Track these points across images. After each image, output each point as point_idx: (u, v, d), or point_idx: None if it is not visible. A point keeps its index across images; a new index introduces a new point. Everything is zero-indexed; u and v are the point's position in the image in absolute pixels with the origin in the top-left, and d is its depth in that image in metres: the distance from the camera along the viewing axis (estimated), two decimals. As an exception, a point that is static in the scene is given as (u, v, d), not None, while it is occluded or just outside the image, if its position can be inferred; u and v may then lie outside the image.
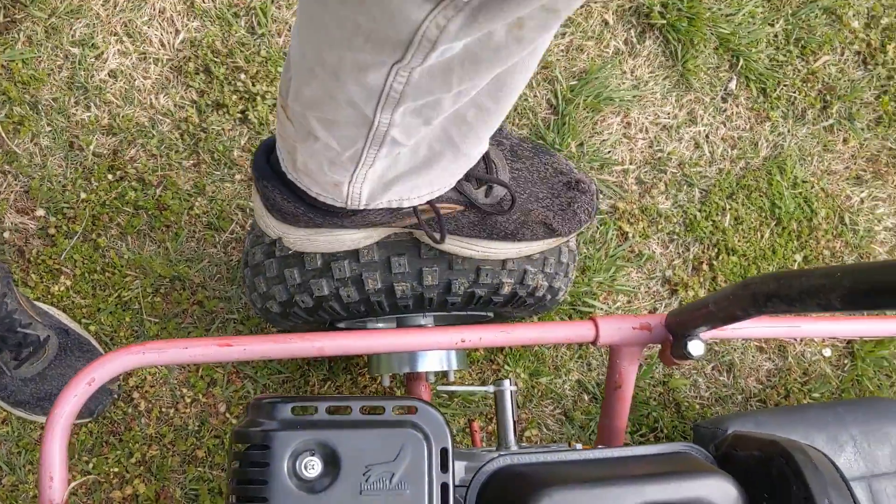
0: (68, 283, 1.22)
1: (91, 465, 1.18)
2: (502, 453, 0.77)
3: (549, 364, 1.36)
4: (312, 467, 0.67)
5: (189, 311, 1.25)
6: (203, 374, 1.24)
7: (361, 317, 1.01)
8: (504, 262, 0.95)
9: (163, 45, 1.32)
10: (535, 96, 1.43)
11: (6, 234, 1.21)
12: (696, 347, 0.89)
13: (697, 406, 1.39)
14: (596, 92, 1.43)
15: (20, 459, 1.17)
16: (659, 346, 0.95)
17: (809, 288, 0.63)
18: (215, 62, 1.32)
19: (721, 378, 1.41)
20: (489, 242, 0.91)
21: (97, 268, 1.23)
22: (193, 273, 1.26)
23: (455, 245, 0.90)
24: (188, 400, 1.22)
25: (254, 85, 1.32)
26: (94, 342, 1.19)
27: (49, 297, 1.21)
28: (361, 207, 0.80)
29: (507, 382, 0.97)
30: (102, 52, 1.30)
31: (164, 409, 1.22)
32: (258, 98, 1.32)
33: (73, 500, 1.18)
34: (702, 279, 1.42)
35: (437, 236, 0.87)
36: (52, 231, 1.22)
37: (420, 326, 1.03)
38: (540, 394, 1.35)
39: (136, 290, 1.24)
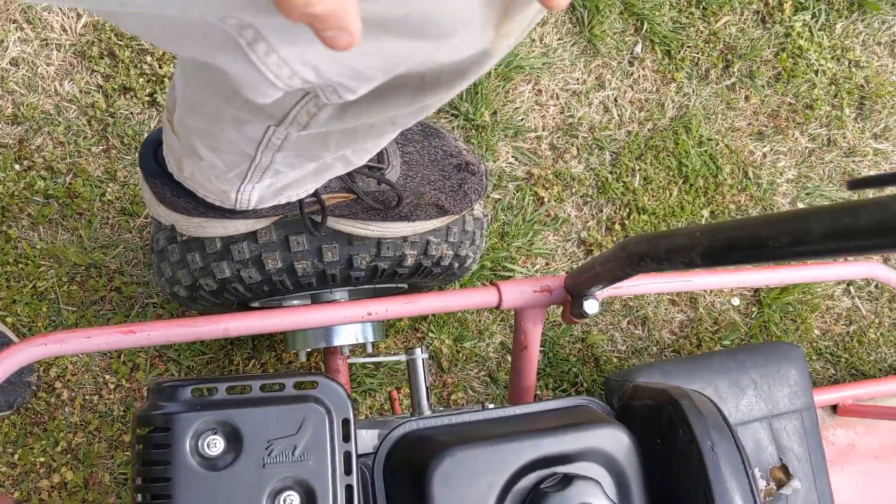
0: (-20, 276, 1.20)
1: (16, 457, 1.18)
2: (410, 419, 0.80)
3: (473, 329, 1.39)
4: (215, 445, 0.69)
5: (107, 298, 1.25)
6: (125, 360, 1.24)
7: (269, 296, 1.02)
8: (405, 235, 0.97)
9: (64, 30, 1.30)
10: (445, 67, 1.44)
11: (-89, 231, 1.19)
12: (591, 306, 0.93)
13: (615, 360, 1.45)
14: (507, 60, 1.45)
15: (-59, 456, 1.16)
16: (561, 307, 1.00)
17: (674, 247, 0.68)
18: (119, 45, 1.30)
19: (636, 331, 1.47)
20: (384, 224, 0.93)
21: (10, 259, 1.22)
22: (109, 259, 1.25)
23: (349, 227, 0.92)
24: (111, 386, 1.23)
25: (161, 67, 1.31)
26: (10, 334, 1.18)
27: (-39, 291, 1.20)
28: (251, 209, 0.81)
29: (418, 351, 1.00)
30: (2, 41, 1.27)
31: (87, 397, 1.22)
32: (166, 80, 1.31)
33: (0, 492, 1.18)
34: (615, 238, 1.47)
35: (313, 229, 0.89)
36: (-41, 225, 1.20)
37: (327, 302, 1.05)
38: (465, 358, 1.38)
39: (52, 279, 1.23)
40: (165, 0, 0.39)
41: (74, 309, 1.23)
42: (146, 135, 1.29)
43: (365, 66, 0.48)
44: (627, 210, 1.49)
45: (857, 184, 0.43)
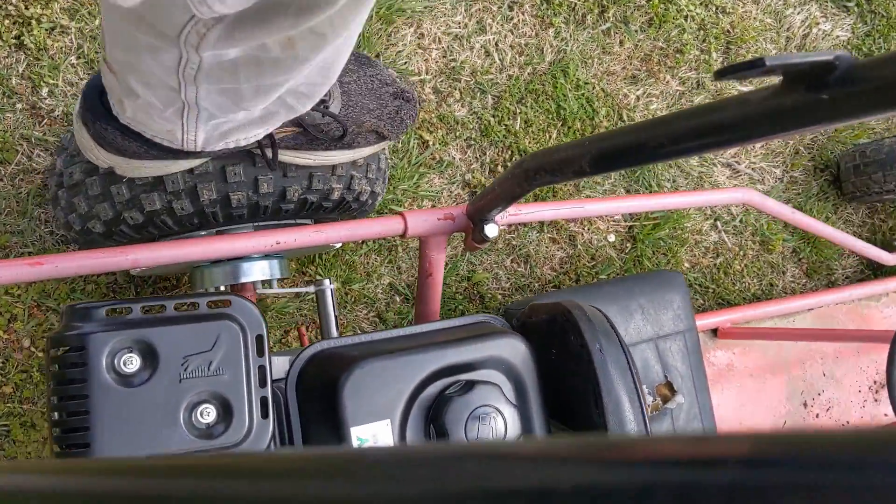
0: None
1: None
2: (321, 341, 0.83)
3: (361, 271, 1.42)
4: (131, 363, 0.70)
5: (-21, 249, 1.21)
6: (2, 311, 1.21)
7: (192, 230, 1.01)
8: (334, 168, 0.99)
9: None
10: (327, 10, 1.44)
11: None
12: (491, 230, 0.98)
13: (500, 296, 1.51)
14: (388, 3, 1.46)
15: None
16: (463, 235, 1.04)
17: (565, 158, 0.72)
18: (-21, -16, 1.24)
19: (519, 269, 1.53)
20: (327, 153, 0.95)
21: None
22: (-20, 209, 1.21)
23: (289, 156, 0.94)
24: (-11, 338, 1.20)
25: (27, 8, 1.26)
26: None
27: None
28: (198, 150, 0.81)
29: (326, 281, 1.03)
30: None
31: (-37, 350, 1.19)
32: (33, 22, 1.26)
33: None
34: (498, 180, 1.52)
35: (271, 162, 0.90)
36: None
37: (238, 233, 1.06)
38: (353, 300, 1.41)
39: (-83, 230, 1.18)
40: None
41: (-56, 260, 1.19)
42: (13, 80, 1.25)
43: None
44: (510, 152, 1.54)
45: (723, 72, 0.48)
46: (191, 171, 0.91)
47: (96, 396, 0.69)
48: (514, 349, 0.84)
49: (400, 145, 1.46)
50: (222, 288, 1.06)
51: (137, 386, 0.71)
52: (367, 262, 1.43)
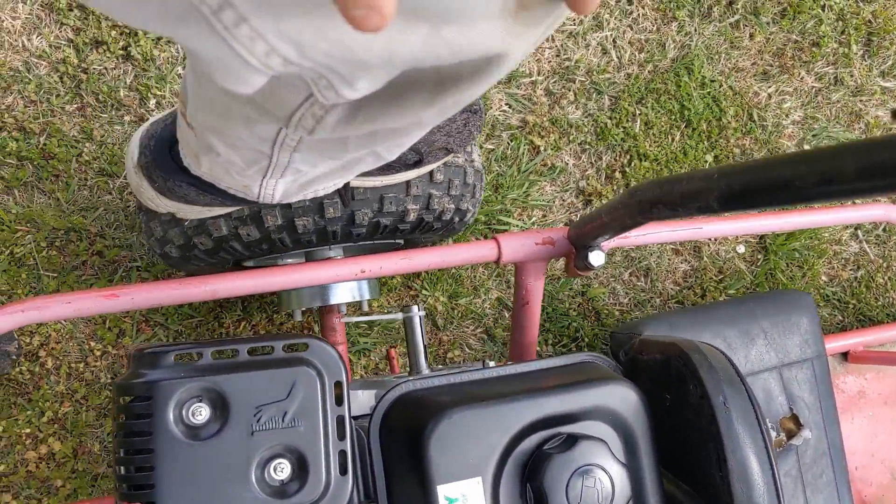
0: (-46, 243, 1.16)
1: (0, 429, 1.14)
2: (407, 379, 0.76)
3: (468, 285, 1.35)
4: (200, 413, 0.65)
5: (89, 263, 1.20)
6: (111, 326, 1.20)
7: (265, 255, 0.98)
8: (408, 187, 0.93)
9: (30, -20, 1.23)
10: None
11: None
12: (596, 258, 0.89)
13: (617, 312, 1.41)
14: (498, 2, 1.38)
15: (-76, 430, 1.13)
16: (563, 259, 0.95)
17: (689, 192, 0.63)
18: (89, -4, 1.23)
19: (639, 283, 1.42)
20: (399, 174, 0.90)
21: (-16, 225, 1.17)
22: (90, 223, 1.21)
23: (370, 182, 0.89)
24: (97, 353, 1.19)
25: (134, 18, 1.24)
26: (-11, 303, 1.14)
27: (-65, 260, 1.15)
28: (275, 203, 0.77)
29: (415, 308, 0.96)
30: (-37, -7, 1.20)
31: (73, 365, 1.19)
32: (140, 32, 1.24)
33: (-15, 466, 1.15)
34: (615, 187, 1.42)
35: (343, 199, 0.86)
36: (-72, 190, 1.15)
37: (320, 260, 1.01)
38: (460, 315, 1.34)
39: (30, 244, 1.18)
40: None
41: (55, 275, 1.19)
42: (121, 91, 1.23)
43: (361, 48, 0.40)
44: (628, 157, 1.43)
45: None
46: None
47: (162, 451, 0.64)
48: (623, 399, 0.74)
49: (509, 151, 1.38)
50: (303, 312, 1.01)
51: (206, 439, 0.65)
52: (475, 276, 1.36)
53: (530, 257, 0.95)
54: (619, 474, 0.70)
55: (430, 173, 0.94)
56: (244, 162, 0.66)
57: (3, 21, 1.21)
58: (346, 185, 0.84)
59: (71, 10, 1.23)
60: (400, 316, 0.98)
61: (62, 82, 1.22)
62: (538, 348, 1.36)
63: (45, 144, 1.20)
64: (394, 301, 1.32)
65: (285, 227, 0.90)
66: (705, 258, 1.44)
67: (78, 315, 0.80)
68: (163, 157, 0.79)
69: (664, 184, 0.67)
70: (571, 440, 0.70)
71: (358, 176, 0.88)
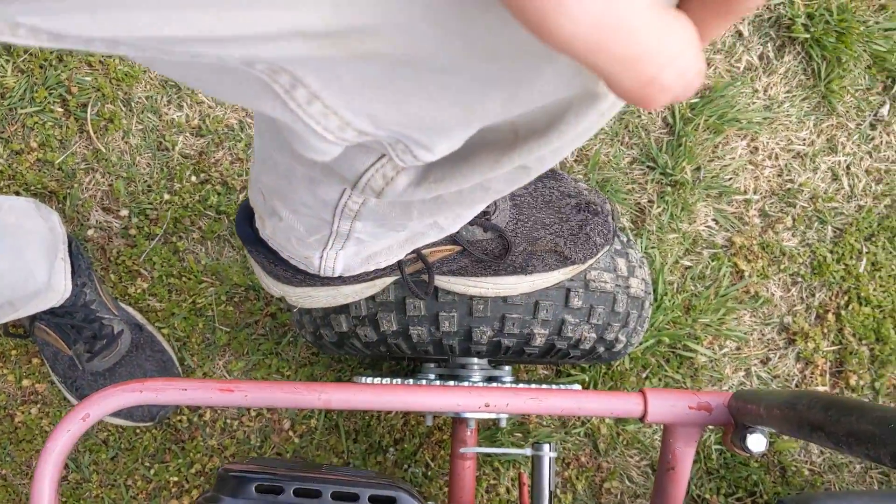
0: (145, 285, 1.21)
1: (152, 472, 1.17)
2: None
3: (639, 410, 1.23)
4: None
5: (261, 323, 1.22)
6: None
7: (391, 357, 0.96)
8: (536, 310, 0.85)
9: (259, 43, 1.29)
10: (648, 113, 1.29)
11: (90, 232, 1.22)
12: (756, 443, 0.76)
13: (806, 472, 1.23)
14: (720, 112, 1.28)
15: (85, 458, 1.18)
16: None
17: (858, 432, 0.51)
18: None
19: (838, 446, 1.24)
20: (497, 279, 0.83)
21: (174, 271, 1.22)
22: (269, 283, 1.22)
23: (461, 285, 0.83)
24: (253, 413, 1.20)
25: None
26: (165, 344, 1.18)
27: (126, 297, 1.21)
28: (336, 276, 0.75)
29: (546, 447, 0.87)
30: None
31: (228, 421, 1.20)
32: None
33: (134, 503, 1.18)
34: (826, 330, 1.25)
35: (420, 292, 0.81)
36: (133, 232, 1.22)
37: (443, 386, 0.96)
38: (625, 442, 1.23)
39: (211, 296, 1.22)
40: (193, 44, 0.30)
41: (228, 329, 1.21)
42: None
43: (438, 113, 0.38)
44: (846, 298, 1.26)
45: None
46: (373, 297, 0.86)
47: None
48: None
49: (708, 272, 1.26)
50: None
51: None
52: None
53: (681, 421, 0.84)
54: None
55: (567, 296, 0.86)
56: (305, 229, 0.64)
57: (227, 80, 1.27)
58: (427, 268, 0.80)
59: (289, 75, 1.27)
60: (528, 452, 0.90)
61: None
62: (709, 497, 1.22)
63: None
64: (545, 416, 1.23)
65: (400, 334, 0.87)
66: (926, 431, 1.23)
67: (191, 403, 0.80)
68: (242, 225, 0.78)
69: (830, 409, 0.56)
70: None
71: (450, 276, 0.82)
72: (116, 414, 1.15)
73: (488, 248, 0.82)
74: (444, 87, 0.36)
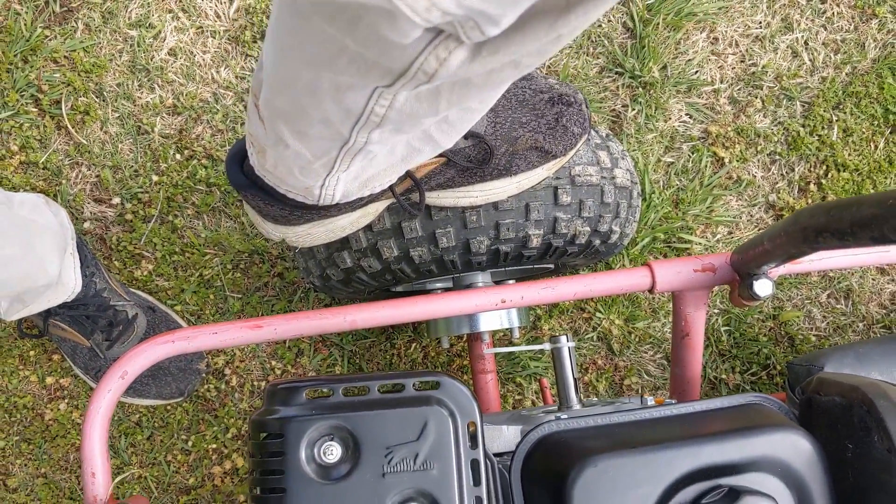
0: (150, 266, 1.23)
1: (190, 443, 1.20)
2: (551, 419, 0.72)
3: (646, 307, 1.28)
4: (332, 452, 0.64)
5: (270, 284, 1.24)
6: (290, 346, 1.23)
7: (396, 284, 0.99)
8: (527, 212, 0.88)
9: (218, 16, 1.30)
10: (608, 21, 1.32)
11: (87, 225, 1.23)
12: (762, 287, 0.80)
13: (814, 338, 1.29)
14: (677, 7, 1.31)
15: (122, 443, 1.20)
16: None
17: (860, 219, 0.55)
18: (270, 27, 1.28)
19: (839, 306, 1.29)
20: (484, 185, 0.85)
21: (176, 249, 1.24)
22: (271, 245, 1.25)
23: (451, 197, 0.85)
24: (278, 371, 1.22)
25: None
26: (180, 320, 1.20)
27: (134, 282, 1.23)
28: (334, 203, 0.76)
29: (563, 338, 0.90)
30: (160, 31, 1.28)
31: (255, 383, 1.22)
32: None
33: (177, 479, 1.21)
34: (810, 200, 1.30)
35: (414, 210, 0.83)
36: (129, 217, 1.23)
37: (459, 290, 0.99)
38: (637, 339, 1.27)
39: (217, 267, 1.24)
40: None
41: (239, 296, 1.24)
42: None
43: None
44: (824, 167, 1.31)
45: None
46: (370, 227, 0.89)
47: (295, 491, 0.63)
48: (796, 449, 0.65)
49: (690, 164, 1.30)
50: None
51: (338, 479, 0.64)
52: (654, 298, 1.28)
53: (688, 286, 0.87)
54: (789, 536, 0.62)
55: (555, 194, 0.88)
56: (312, 153, 0.65)
57: (195, 56, 1.28)
58: (417, 184, 0.81)
59: (255, 41, 1.28)
60: (547, 346, 0.93)
61: (246, 111, 1.28)
62: (724, 376, 1.27)
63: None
64: (566, 324, 1.27)
65: (403, 258, 0.90)
66: (918, 278, 1.29)
67: (223, 346, 0.82)
68: (234, 171, 0.79)
69: (832, 209, 0.59)
70: (734, 495, 0.62)
71: (440, 190, 0.84)
72: (146, 395, 1.17)
73: (471, 154, 0.83)
74: None
